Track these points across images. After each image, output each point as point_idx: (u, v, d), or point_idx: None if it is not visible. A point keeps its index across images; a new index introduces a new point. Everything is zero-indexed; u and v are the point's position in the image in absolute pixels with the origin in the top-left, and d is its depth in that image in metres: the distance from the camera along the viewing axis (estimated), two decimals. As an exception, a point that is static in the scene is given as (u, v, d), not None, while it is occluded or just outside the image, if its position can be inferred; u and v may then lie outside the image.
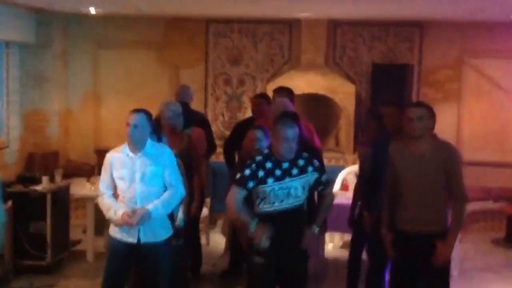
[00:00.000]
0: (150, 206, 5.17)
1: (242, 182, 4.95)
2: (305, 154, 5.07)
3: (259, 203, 4.99)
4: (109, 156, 5.34)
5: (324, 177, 5.11)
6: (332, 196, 5.26)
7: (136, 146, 5.22)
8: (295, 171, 4.96)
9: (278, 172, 4.93)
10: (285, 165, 4.95)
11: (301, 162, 5.00)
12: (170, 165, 5.32)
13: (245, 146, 6.26)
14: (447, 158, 5.10)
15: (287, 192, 4.93)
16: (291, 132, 4.91)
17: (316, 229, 5.13)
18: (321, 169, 5.13)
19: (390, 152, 5.32)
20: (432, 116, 5.34)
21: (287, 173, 4.94)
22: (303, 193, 5.00)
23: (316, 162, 5.09)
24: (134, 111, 5.25)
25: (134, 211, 5.15)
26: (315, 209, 5.27)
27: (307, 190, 5.04)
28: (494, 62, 10.47)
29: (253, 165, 4.96)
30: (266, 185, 4.92)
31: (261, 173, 4.93)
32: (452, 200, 5.12)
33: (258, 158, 5.01)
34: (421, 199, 5.11)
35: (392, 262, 5.52)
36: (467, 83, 10.61)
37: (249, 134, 6.25)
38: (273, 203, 4.94)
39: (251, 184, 4.93)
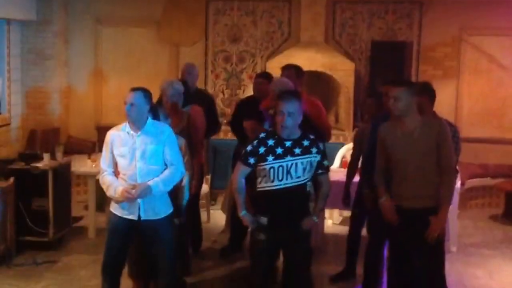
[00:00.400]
0: (150, 182, 5.20)
1: (244, 158, 5.03)
2: (311, 135, 5.07)
3: (260, 181, 5.03)
4: (110, 134, 5.35)
5: (325, 162, 5.14)
6: (329, 183, 5.26)
7: (136, 124, 5.22)
8: (298, 150, 4.96)
9: (279, 150, 4.94)
10: (288, 143, 4.96)
11: (305, 143, 5.00)
12: (170, 143, 5.32)
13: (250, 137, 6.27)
14: (437, 135, 5.13)
15: (287, 171, 4.94)
16: (287, 105, 4.89)
17: (315, 219, 5.18)
18: (324, 153, 5.13)
19: (380, 131, 5.37)
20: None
21: (288, 152, 4.95)
22: (304, 174, 4.99)
23: (321, 145, 5.10)
24: (132, 90, 5.24)
25: (134, 186, 5.18)
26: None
27: (308, 171, 5.02)
28: (493, 40, 10.45)
29: (255, 142, 5.02)
30: (266, 162, 4.95)
31: (261, 150, 4.96)
32: (441, 174, 5.17)
33: (261, 135, 5.06)
34: (415, 176, 5.15)
35: (390, 238, 5.58)
36: (466, 60, 10.59)
37: (245, 126, 6.32)
38: (273, 181, 4.95)
39: (252, 160, 4.99)
